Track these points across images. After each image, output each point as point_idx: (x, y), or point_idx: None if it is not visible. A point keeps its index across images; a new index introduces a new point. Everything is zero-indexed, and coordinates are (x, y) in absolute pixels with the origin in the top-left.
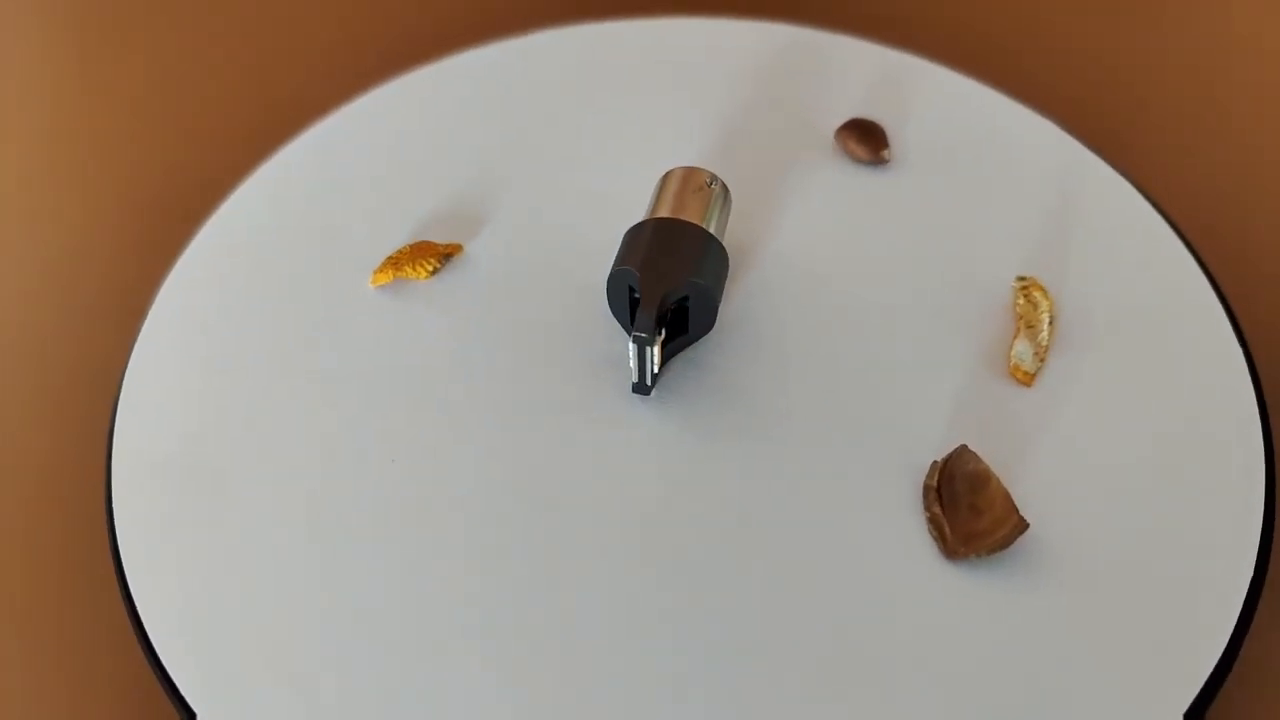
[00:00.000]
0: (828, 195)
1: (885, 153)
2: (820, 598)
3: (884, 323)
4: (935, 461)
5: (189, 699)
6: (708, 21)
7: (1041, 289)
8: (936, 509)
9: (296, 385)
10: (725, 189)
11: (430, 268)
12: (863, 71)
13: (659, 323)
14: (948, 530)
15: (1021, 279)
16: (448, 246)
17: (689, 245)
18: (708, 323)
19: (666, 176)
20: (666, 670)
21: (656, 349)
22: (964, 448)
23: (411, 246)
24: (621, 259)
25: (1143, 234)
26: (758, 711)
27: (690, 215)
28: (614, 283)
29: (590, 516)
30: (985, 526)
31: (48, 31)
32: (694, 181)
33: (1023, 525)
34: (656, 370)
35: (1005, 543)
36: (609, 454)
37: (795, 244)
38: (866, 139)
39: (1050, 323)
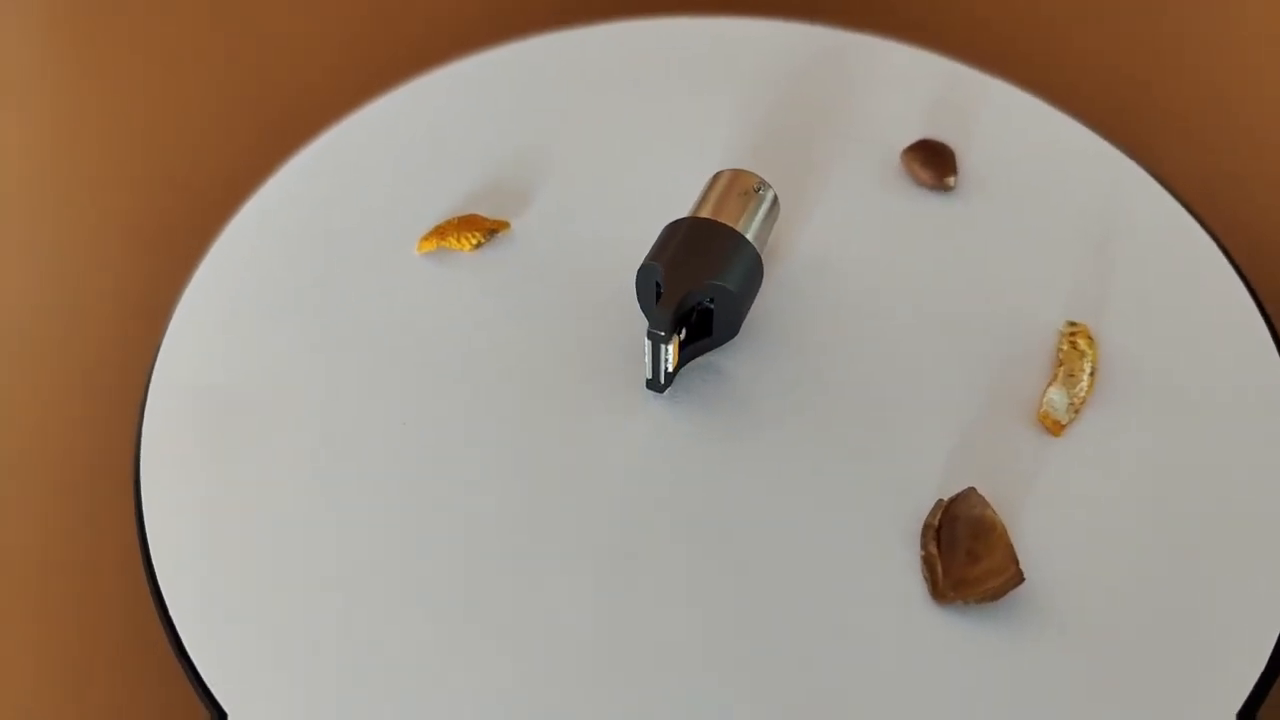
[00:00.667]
0: (878, 214)
1: (950, 180)
2: (794, 621)
3: (916, 351)
4: (941, 500)
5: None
6: (759, 23)
7: (1089, 338)
8: (933, 548)
9: (334, 337)
10: (774, 198)
11: (475, 241)
12: (922, 83)
13: (679, 322)
14: (940, 572)
15: (1072, 325)
16: (495, 222)
17: (720, 247)
18: (732, 329)
19: (716, 177)
20: (634, 668)
21: (672, 348)
22: (972, 490)
23: (460, 219)
24: (652, 254)
25: (1214, 292)
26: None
27: (729, 218)
28: (642, 277)
29: (580, 501)
30: (979, 574)
31: (58, 28)
32: (741, 184)
33: (1018, 579)
34: (671, 369)
35: (997, 594)
36: (612, 444)
37: (838, 260)
38: (933, 162)
39: (1091, 374)
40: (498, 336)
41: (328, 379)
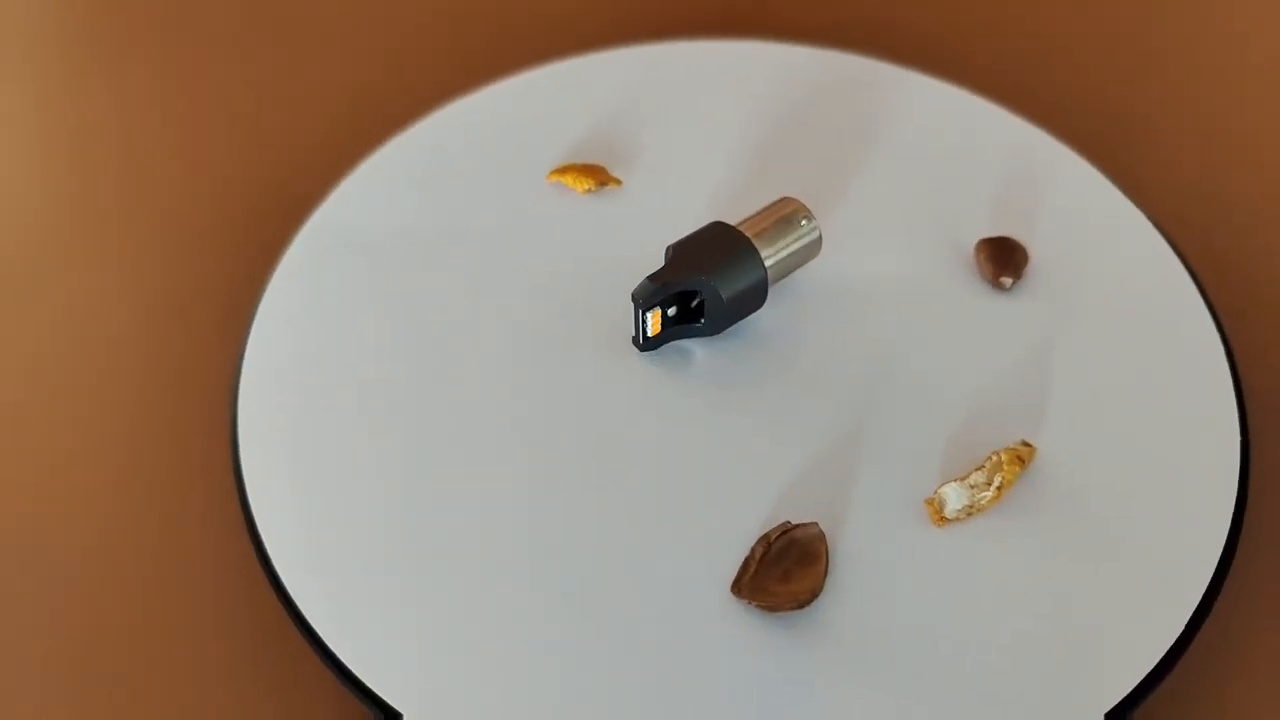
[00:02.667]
0: (938, 298)
1: (1005, 280)
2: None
3: (885, 400)
4: (791, 521)
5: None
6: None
7: (1024, 463)
8: (759, 551)
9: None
10: (817, 237)
11: (587, 185)
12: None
13: (659, 298)
14: (750, 572)
15: (1025, 444)
16: (612, 177)
17: (728, 251)
18: (717, 327)
19: (780, 201)
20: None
21: (651, 317)
22: (816, 525)
23: (585, 164)
24: (679, 239)
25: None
26: None
27: (756, 233)
28: (666, 253)
29: (559, 439)
30: (778, 589)
31: (142, 37)
32: (789, 212)
33: (802, 603)
34: (649, 334)
35: (776, 609)
36: (603, 392)
37: (861, 305)
38: (997, 258)
39: (997, 491)
40: (557, 273)
41: (418, 354)
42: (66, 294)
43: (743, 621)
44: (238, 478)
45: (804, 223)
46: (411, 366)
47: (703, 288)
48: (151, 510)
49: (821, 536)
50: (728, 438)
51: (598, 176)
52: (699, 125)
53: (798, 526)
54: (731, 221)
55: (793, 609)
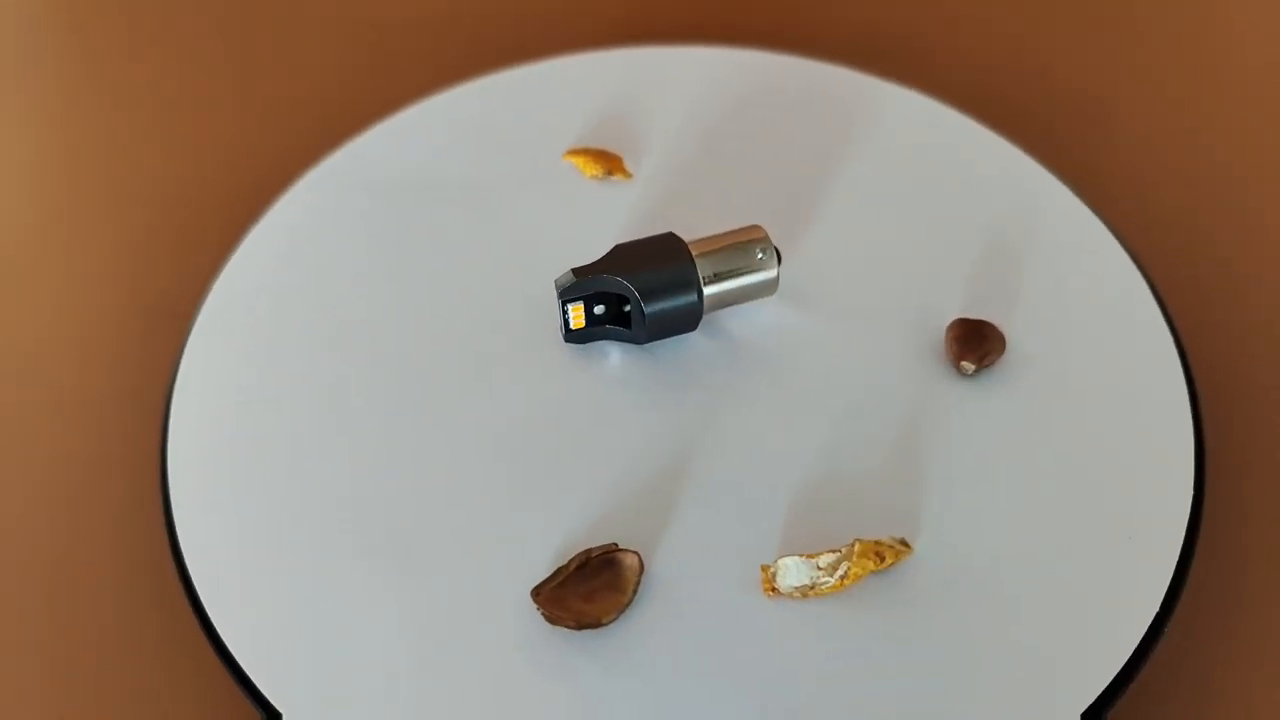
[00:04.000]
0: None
1: (966, 365)
2: None
3: (758, 461)
4: (618, 545)
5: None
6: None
7: (882, 561)
8: (574, 564)
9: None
10: (772, 278)
11: (595, 171)
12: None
13: (583, 293)
14: (556, 581)
15: (901, 543)
16: (623, 169)
17: (664, 264)
18: (640, 337)
19: (747, 227)
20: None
21: (572, 309)
22: (636, 555)
23: (601, 150)
24: (626, 242)
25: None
26: None
27: (704, 253)
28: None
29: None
30: (574, 606)
31: (67, 30)
32: (749, 240)
33: (582, 625)
34: (570, 326)
35: (557, 622)
36: (540, 380)
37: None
38: (966, 341)
39: (841, 581)
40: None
41: (360, 365)
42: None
43: (529, 628)
44: (163, 471)
45: (760, 255)
46: (342, 357)
47: (629, 295)
48: (69, 494)
49: (638, 569)
50: (610, 448)
51: (609, 165)
52: (716, 130)
53: (622, 552)
54: (699, 234)
55: (572, 628)
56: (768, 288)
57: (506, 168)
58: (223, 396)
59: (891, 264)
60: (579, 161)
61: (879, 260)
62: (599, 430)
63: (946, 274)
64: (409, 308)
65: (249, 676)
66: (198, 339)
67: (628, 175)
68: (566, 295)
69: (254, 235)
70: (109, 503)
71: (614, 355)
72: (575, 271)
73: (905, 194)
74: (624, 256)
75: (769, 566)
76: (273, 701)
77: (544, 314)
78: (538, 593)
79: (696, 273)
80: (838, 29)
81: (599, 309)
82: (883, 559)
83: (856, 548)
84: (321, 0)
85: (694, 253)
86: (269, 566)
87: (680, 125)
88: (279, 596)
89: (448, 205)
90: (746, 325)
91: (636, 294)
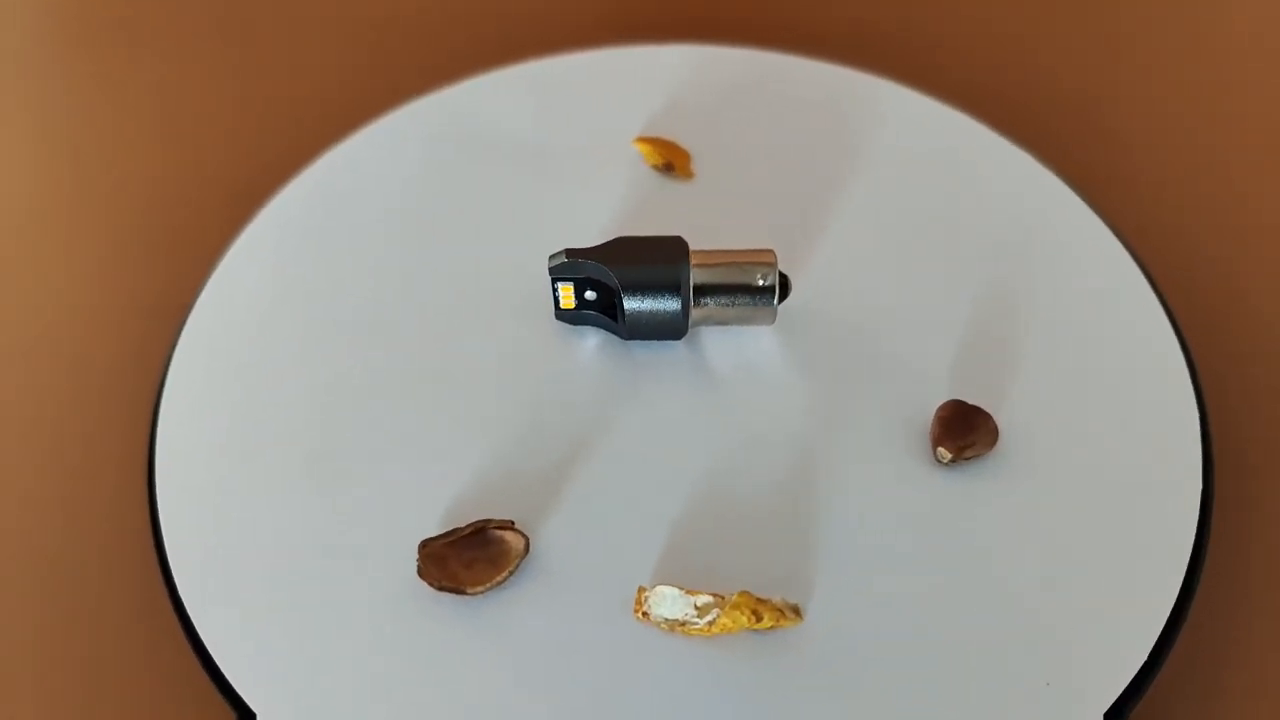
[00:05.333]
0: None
1: (943, 452)
2: None
3: (699, 484)
4: (515, 524)
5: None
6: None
7: (757, 620)
8: (469, 529)
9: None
10: (768, 308)
11: (655, 161)
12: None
13: (586, 281)
14: (442, 542)
15: (792, 609)
16: (686, 168)
17: (656, 261)
18: (626, 333)
19: (758, 250)
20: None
21: (561, 288)
22: (524, 542)
23: (670, 143)
24: (633, 236)
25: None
26: None
27: (706, 264)
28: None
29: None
30: (452, 569)
31: (68, 31)
32: (756, 262)
33: (441, 588)
34: (560, 305)
35: (422, 576)
36: (518, 351)
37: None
38: (950, 425)
39: (709, 626)
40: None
41: (349, 370)
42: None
43: (411, 585)
44: (149, 469)
45: (761, 280)
46: (334, 357)
47: (610, 281)
48: (59, 488)
49: (521, 553)
50: (553, 429)
51: (672, 159)
52: (775, 134)
53: (514, 532)
54: (721, 240)
55: (433, 586)
56: (764, 315)
57: (535, 154)
58: (211, 395)
59: (897, 292)
60: (645, 149)
61: (884, 288)
62: (547, 409)
63: (948, 310)
64: (407, 308)
65: (225, 676)
66: (189, 338)
67: (689, 174)
68: (556, 274)
69: (248, 233)
70: (98, 499)
71: (594, 343)
72: (568, 252)
73: (915, 206)
74: (622, 249)
75: (646, 589)
76: (248, 702)
77: (545, 290)
78: (425, 545)
79: (686, 280)
80: (841, 27)
81: (590, 295)
82: (759, 618)
83: (733, 598)
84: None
85: (694, 262)
86: (252, 566)
87: (746, 128)
88: (261, 596)
89: (452, 199)
90: (736, 348)
91: (619, 287)
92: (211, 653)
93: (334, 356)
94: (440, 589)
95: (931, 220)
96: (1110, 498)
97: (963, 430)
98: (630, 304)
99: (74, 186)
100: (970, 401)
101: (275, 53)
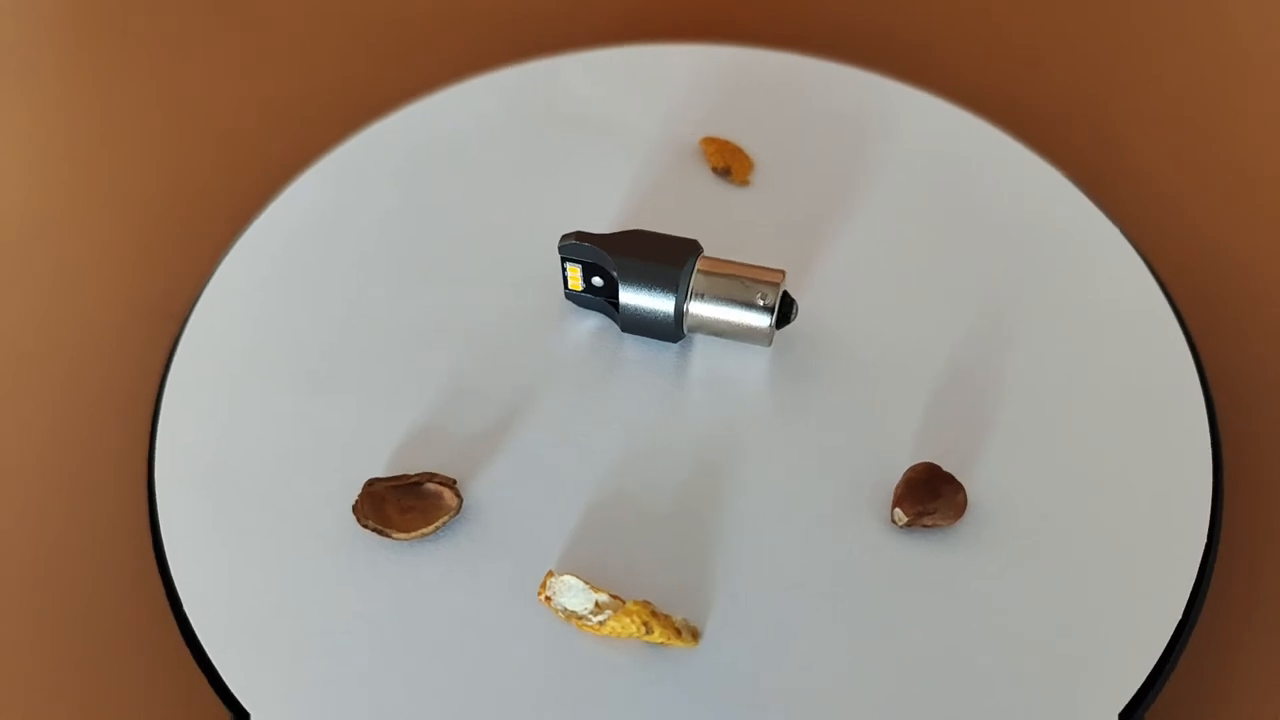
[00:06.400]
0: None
1: (899, 513)
2: None
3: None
4: (457, 483)
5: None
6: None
7: (644, 631)
8: (413, 479)
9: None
10: (764, 328)
11: (716, 164)
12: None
13: (590, 266)
14: (387, 484)
15: (689, 630)
16: (745, 175)
17: (659, 260)
18: (622, 325)
19: (768, 269)
20: None
21: (569, 268)
22: (458, 501)
23: (736, 148)
24: (649, 230)
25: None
26: None
27: (711, 272)
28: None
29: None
30: (388, 513)
31: (67, 44)
32: (761, 280)
33: (373, 529)
34: (569, 286)
35: (356, 514)
36: (520, 324)
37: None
38: (915, 493)
39: (599, 625)
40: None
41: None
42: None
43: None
44: (150, 468)
45: (760, 300)
46: (333, 356)
47: (610, 267)
48: (58, 492)
49: (452, 511)
50: (523, 401)
51: (733, 163)
52: (842, 145)
53: (453, 491)
54: (740, 257)
55: (360, 522)
56: (758, 335)
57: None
58: (213, 395)
59: (908, 325)
60: (708, 149)
61: (897, 321)
62: (525, 380)
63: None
64: (407, 306)
65: (220, 675)
66: (189, 338)
67: (745, 181)
68: (565, 253)
69: (251, 232)
70: (98, 498)
71: (593, 326)
72: (577, 234)
73: (946, 222)
74: (631, 241)
75: (554, 575)
76: (242, 701)
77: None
78: (371, 484)
79: (685, 283)
80: (857, 31)
81: (597, 280)
82: (649, 630)
83: (627, 605)
84: None
85: (700, 268)
86: (253, 568)
87: (803, 138)
88: (261, 599)
89: (464, 188)
90: (729, 363)
91: (616, 279)
92: (206, 650)
93: (330, 361)
94: (365, 526)
95: (954, 236)
96: (1087, 586)
97: (926, 496)
98: (625, 296)
99: (71, 189)
100: (961, 458)
101: (284, 48)
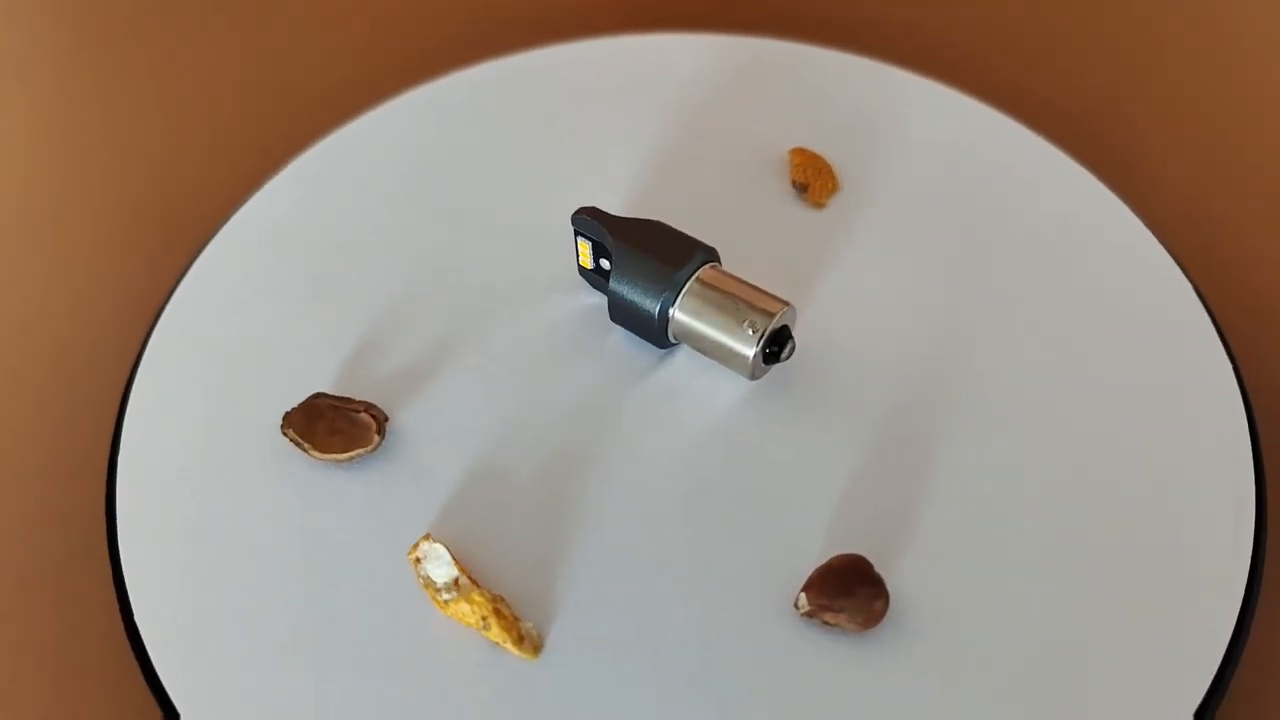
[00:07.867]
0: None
1: (802, 599)
2: None
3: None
4: (387, 419)
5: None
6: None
7: (492, 633)
8: (358, 408)
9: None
10: (746, 358)
11: (796, 179)
12: None
13: (601, 248)
14: (328, 402)
15: (535, 644)
16: (823, 198)
17: (661, 258)
18: (612, 315)
19: (772, 296)
20: None
21: (580, 242)
22: (379, 439)
23: (823, 163)
24: (667, 223)
25: None
26: None
27: (712, 285)
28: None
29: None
30: (316, 431)
31: (59, 35)
32: (757, 307)
33: (294, 440)
34: (580, 262)
35: (283, 419)
36: (521, 296)
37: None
38: (826, 585)
39: (445, 605)
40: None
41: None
42: None
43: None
44: (110, 471)
45: (749, 329)
46: (322, 355)
47: (607, 249)
48: (20, 514)
49: (368, 445)
50: (497, 369)
51: (815, 181)
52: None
53: (380, 426)
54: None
55: (282, 431)
56: (740, 363)
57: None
58: (180, 396)
59: (912, 374)
60: (795, 160)
61: (902, 368)
62: (500, 340)
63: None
64: (405, 307)
65: (156, 672)
66: (155, 347)
67: (820, 204)
68: (577, 227)
69: (229, 228)
70: (57, 496)
71: (586, 305)
72: (589, 210)
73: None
74: (641, 230)
75: (429, 539)
76: (174, 701)
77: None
78: (316, 397)
79: (677, 287)
80: (879, 25)
81: (605, 264)
82: (486, 626)
83: (477, 594)
84: None
85: (701, 277)
86: (202, 575)
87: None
88: (208, 611)
89: (461, 182)
90: (705, 387)
91: (611, 265)
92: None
93: (309, 363)
94: (285, 434)
95: (984, 261)
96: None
97: (838, 592)
98: (615, 285)
99: (60, 180)
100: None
101: (280, 40)
